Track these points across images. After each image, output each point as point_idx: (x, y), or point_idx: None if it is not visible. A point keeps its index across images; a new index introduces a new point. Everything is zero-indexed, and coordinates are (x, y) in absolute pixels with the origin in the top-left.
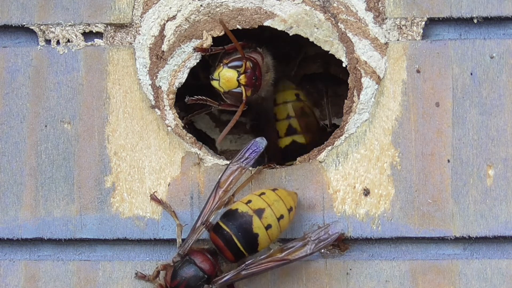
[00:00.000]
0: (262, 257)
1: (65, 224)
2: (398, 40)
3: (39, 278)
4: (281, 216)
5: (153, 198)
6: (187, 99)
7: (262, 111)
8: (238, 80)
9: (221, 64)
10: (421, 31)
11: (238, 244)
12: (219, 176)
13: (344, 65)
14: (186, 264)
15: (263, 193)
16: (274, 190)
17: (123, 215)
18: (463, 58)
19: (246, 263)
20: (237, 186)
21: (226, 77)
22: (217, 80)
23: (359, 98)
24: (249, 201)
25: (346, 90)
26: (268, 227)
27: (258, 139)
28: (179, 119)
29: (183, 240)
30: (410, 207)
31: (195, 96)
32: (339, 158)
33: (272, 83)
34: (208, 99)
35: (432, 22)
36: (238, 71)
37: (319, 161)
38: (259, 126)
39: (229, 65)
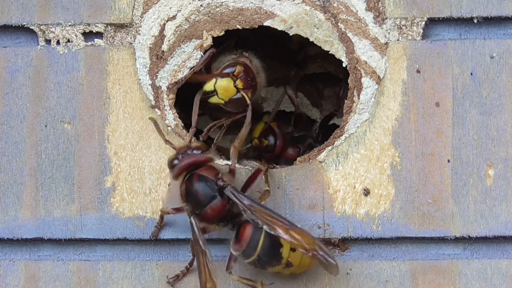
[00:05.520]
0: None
1: (65, 224)
2: (398, 40)
3: (39, 278)
4: (293, 270)
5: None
6: (200, 137)
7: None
8: (235, 86)
9: (212, 78)
10: (421, 31)
11: (251, 259)
12: (299, 227)
13: (344, 65)
14: (209, 191)
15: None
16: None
17: (123, 215)
18: (463, 58)
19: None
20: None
21: (223, 86)
22: (213, 95)
23: (359, 98)
24: (293, 250)
25: (346, 90)
26: (288, 264)
27: None
28: (179, 119)
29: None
30: (410, 207)
31: (207, 128)
32: (339, 158)
33: (265, 85)
34: (215, 122)
35: (432, 22)
36: (232, 78)
37: (319, 161)
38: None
39: (222, 75)
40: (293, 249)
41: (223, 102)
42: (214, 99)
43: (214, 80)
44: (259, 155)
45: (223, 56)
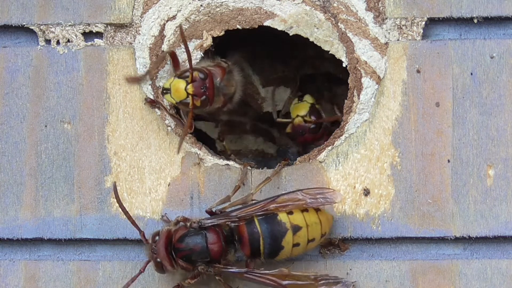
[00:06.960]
0: (268, 271)
1: (65, 224)
2: (398, 40)
3: (39, 278)
4: (312, 239)
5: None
6: (146, 101)
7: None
8: (186, 90)
9: (173, 76)
10: (421, 31)
11: (261, 248)
12: (282, 193)
13: (344, 65)
14: (198, 238)
15: (306, 210)
16: (317, 210)
17: (123, 215)
18: (463, 58)
19: (252, 268)
20: (291, 208)
21: (176, 87)
22: (168, 92)
23: (359, 98)
24: (291, 213)
25: (346, 90)
26: (296, 245)
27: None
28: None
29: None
30: (410, 207)
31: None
32: (339, 158)
33: (239, 99)
34: (176, 116)
35: (432, 22)
36: (187, 81)
37: (319, 161)
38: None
39: (180, 76)
40: (289, 212)
41: (175, 102)
42: (168, 97)
43: (172, 78)
44: (294, 135)
45: (203, 62)
